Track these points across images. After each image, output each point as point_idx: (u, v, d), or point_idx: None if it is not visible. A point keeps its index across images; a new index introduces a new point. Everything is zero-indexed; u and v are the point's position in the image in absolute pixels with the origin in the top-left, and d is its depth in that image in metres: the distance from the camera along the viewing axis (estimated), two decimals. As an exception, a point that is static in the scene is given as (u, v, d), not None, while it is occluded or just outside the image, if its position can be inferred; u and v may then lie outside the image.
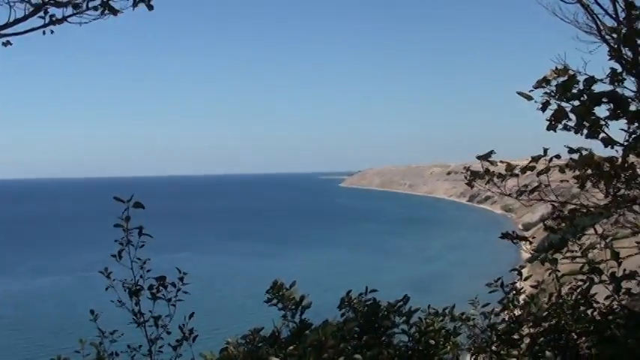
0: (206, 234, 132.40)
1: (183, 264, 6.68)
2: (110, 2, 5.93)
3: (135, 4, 5.94)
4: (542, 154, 6.62)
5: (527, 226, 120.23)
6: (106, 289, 6.07)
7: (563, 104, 6.48)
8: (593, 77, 6.42)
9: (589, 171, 6.67)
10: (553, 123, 6.52)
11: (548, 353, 5.77)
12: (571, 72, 6.44)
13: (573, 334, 5.98)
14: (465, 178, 7.23)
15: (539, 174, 6.77)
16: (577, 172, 6.76)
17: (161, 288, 6.24)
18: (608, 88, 6.42)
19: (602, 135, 6.44)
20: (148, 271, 6.19)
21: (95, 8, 5.92)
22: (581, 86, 6.41)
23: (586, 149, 6.54)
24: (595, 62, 6.63)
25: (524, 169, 6.82)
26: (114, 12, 6.01)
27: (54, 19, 5.84)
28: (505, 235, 6.78)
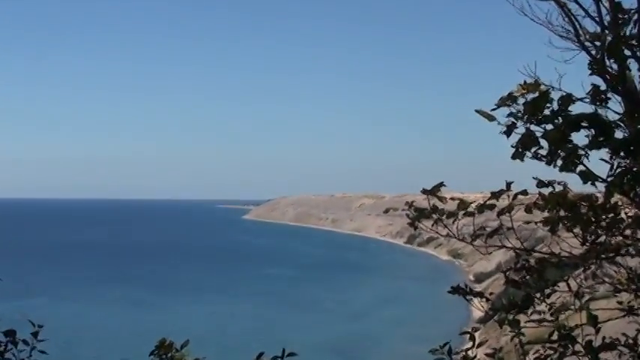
0: (70, 275, 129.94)
1: (39, 313, 6.54)
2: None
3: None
4: (504, 188, 6.62)
5: (479, 277, 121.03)
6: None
7: (533, 128, 6.47)
8: (570, 95, 6.44)
9: (562, 212, 6.67)
10: (520, 150, 6.49)
11: None
12: (543, 87, 6.44)
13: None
14: (407, 217, 7.04)
15: (499, 213, 6.72)
16: (547, 213, 6.76)
17: (10, 345, 6.08)
18: (588, 108, 6.46)
19: (580, 168, 6.40)
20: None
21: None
22: (555, 106, 6.41)
23: (560, 183, 6.58)
24: (572, 75, 6.74)
25: (481, 208, 6.80)
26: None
27: None
28: (456, 290, 6.76)
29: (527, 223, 6.95)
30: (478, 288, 7.42)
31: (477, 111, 6.53)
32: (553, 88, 6.50)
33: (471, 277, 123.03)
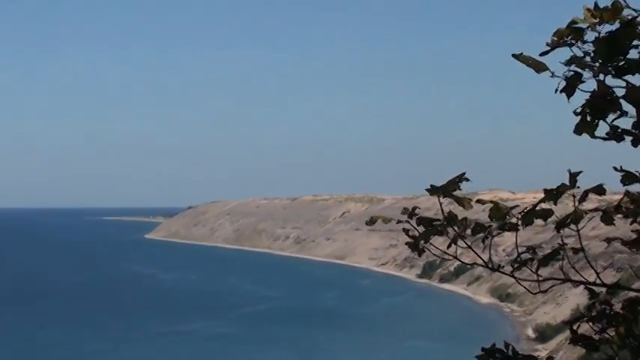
0: None
1: None
2: None
3: None
4: (565, 183, 4.58)
5: (544, 333, 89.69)
6: None
7: (610, 81, 4.47)
8: (673, 24, 4.45)
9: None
10: (588, 120, 4.50)
11: None
12: (628, 12, 4.42)
13: None
14: (407, 234, 4.72)
15: (559, 225, 4.63)
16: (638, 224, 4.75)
17: None
18: None
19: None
20: None
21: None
22: (648, 42, 4.48)
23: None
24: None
25: (527, 215, 4.66)
26: None
27: None
28: (490, 354, 4.53)
29: (610, 240, 4.83)
30: (542, 352, 5.08)
31: (515, 56, 4.50)
32: (646, 11, 4.52)
33: (530, 333, 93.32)
